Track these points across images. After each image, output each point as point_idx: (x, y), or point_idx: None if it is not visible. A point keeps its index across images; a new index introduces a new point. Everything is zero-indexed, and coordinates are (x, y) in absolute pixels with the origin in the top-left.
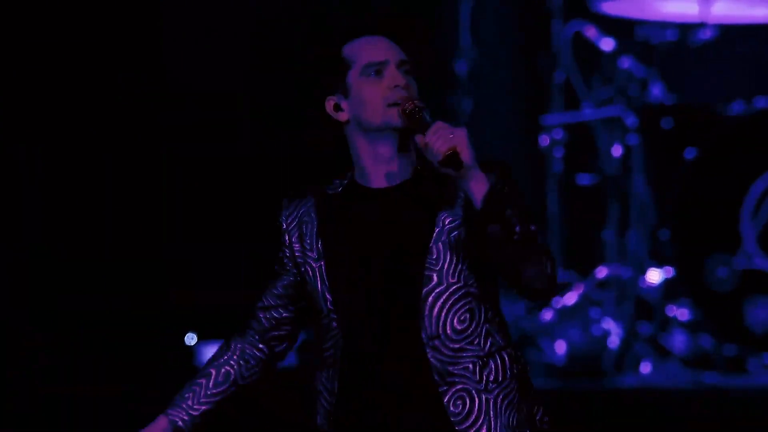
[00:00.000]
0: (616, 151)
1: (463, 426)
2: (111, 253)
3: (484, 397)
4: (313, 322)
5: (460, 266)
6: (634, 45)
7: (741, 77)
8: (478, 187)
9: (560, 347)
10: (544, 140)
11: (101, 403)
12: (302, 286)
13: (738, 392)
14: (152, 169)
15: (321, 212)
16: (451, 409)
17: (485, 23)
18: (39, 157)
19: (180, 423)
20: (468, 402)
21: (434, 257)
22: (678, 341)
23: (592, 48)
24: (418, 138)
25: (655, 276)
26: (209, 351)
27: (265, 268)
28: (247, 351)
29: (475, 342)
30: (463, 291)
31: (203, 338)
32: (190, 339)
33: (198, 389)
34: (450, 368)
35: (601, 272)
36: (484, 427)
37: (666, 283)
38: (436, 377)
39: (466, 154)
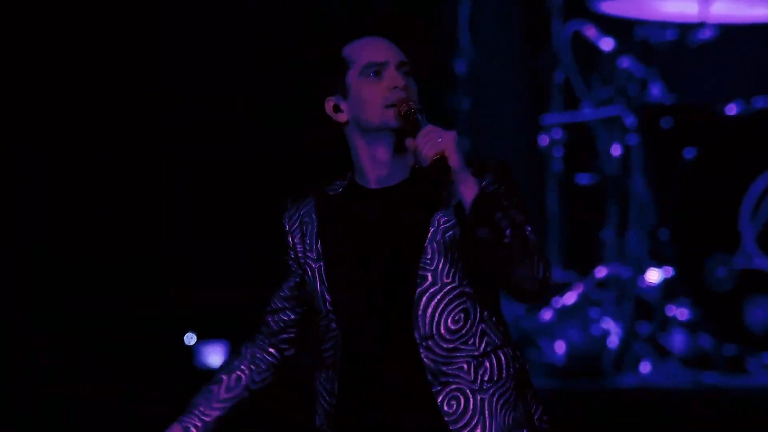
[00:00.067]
0: (616, 150)
1: (457, 426)
2: (111, 253)
3: (479, 396)
4: (313, 323)
5: (454, 266)
6: (634, 45)
7: (740, 77)
8: (467, 190)
9: (560, 347)
10: (544, 140)
11: (101, 403)
12: (305, 286)
13: (737, 392)
14: (152, 169)
15: (321, 213)
16: (445, 409)
17: (485, 23)
18: (39, 157)
19: (193, 429)
20: (462, 402)
21: (429, 257)
22: (677, 341)
23: (592, 48)
24: (408, 142)
25: (654, 276)
26: (209, 351)
27: (265, 268)
28: (258, 355)
29: (470, 342)
30: (457, 291)
31: (203, 338)
32: (190, 339)
33: (210, 395)
34: (444, 368)
35: (601, 272)
36: (479, 427)
37: (665, 283)
38: (429, 377)
39: (453, 159)
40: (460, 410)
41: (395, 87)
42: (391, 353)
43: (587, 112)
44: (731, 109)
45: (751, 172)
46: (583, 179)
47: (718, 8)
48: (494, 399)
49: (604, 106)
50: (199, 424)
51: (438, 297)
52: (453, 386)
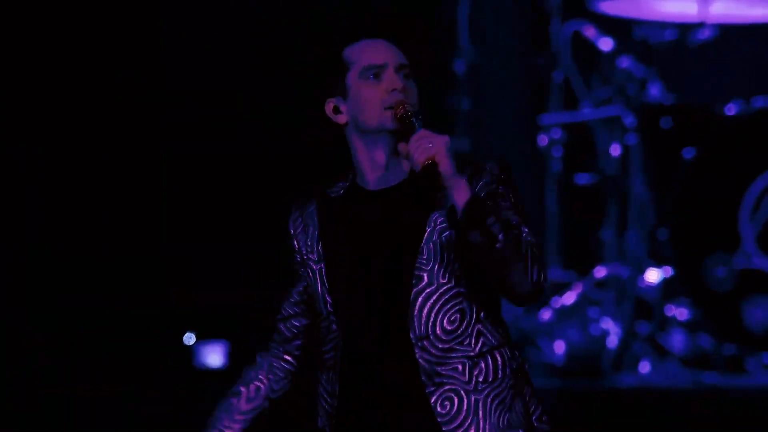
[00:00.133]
0: (615, 150)
1: (451, 427)
2: (111, 253)
3: (473, 397)
4: (315, 326)
5: (451, 266)
6: (633, 45)
7: (740, 77)
8: (459, 195)
9: (559, 347)
10: (543, 140)
11: (101, 403)
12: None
13: (737, 392)
14: (152, 169)
15: (322, 215)
16: (438, 409)
17: (484, 23)
18: (39, 157)
19: None
20: (456, 402)
21: (425, 257)
22: (677, 341)
23: (591, 48)
24: (401, 146)
25: (654, 276)
26: (208, 351)
27: (265, 269)
28: (274, 364)
29: (465, 342)
30: (453, 291)
31: (202, 338)
32: (189, 339)
33: (231, 408)
34: (438, 368)
35: (600, 272)
36: (472, 427)
37: (665, 283)
38: (423, 378)
39: (444, 165)
40: (454, 411)
41: (393, 89)
42: (389, 354)
43: (586, 112)
44: (730, 109)
45: (751, 171)
46: (583, 179)
47: (718, 8)
48: (489, 400)
49: (604, 106)
50: None
51: (434, 297)
52: (447, 387)
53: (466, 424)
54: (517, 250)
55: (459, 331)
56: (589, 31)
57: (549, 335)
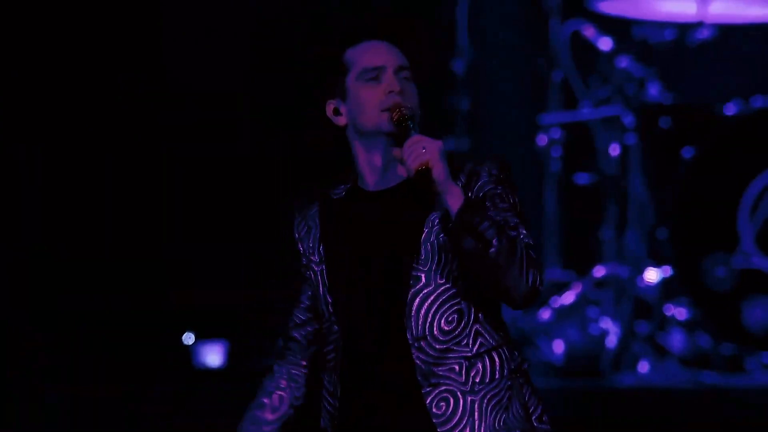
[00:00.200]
0: (614, 150)
1: (446, 427)
2: (111, 252)
3: (469, 398)
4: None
5: (449, 267)
6: (632, 44)
7: (739, 77)
8: (452, 201)
9: (558, 346)
10: (542, 139)
11: (101, 403)
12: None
13: (736, 391)
14: (152, 169)
15: (323, 216)
16: (434, 410)
17: (483, 23)
18: (39, 157)
19: None
20: (452, 403)
21: (422, 258)
22: (676, 340)
23: (590, 47)
24: (395, 152)
25: (653, 275)
26: (207, 350)
27: (264, 269)
28: (293, 371)
29: (463, 343)
30: (451, 292)
31: (201, 338)
32: (188, 338)
33: (258, 420)
34: (435, 369)
35: (599, 271)
36: (467, 428)
37: (664, 283)
38: (419, 378)
39: (437, 170)
40: (449, 412)
41: (390, 91)
42: (387, 354)
43: (586, 112)
44: (730, 109)
45: (750, 171)
46: (582, 179)
47: (717, 8)
48: (485, 401)
49: (603, 106)
50: None
51: (431, 298)
52: (443, 387)
53: (462, 425)
54: (512, 255)
55: (456, 332)
56: (589, 31)
57: (548, 335)
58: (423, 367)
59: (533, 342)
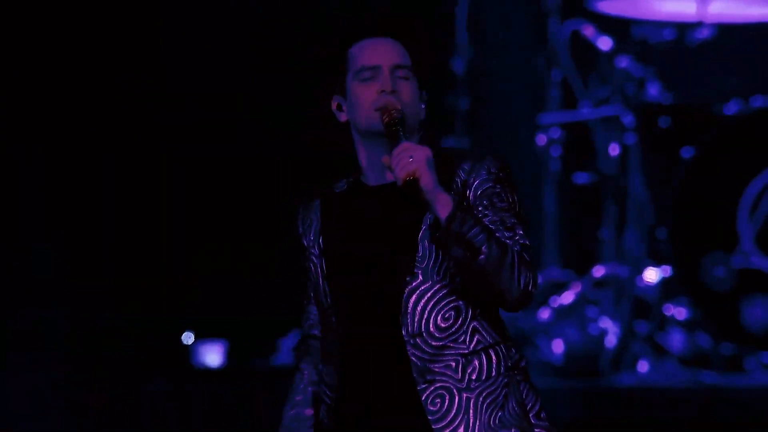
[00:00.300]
0: (614, 150)
1: (440, 425)
2: (110, 252)
3: (464, 395)
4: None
5: (446, 264)
6: (632, 44)
7: (738, 76)
8: (441, 209)
9: (557, 346)
10: (542, 139)
11: (101, 403)
12: None
13: (735, 391)
14: (152, 169)
15: (325, 210)
16: (429, 407)
17: (483, 22)
18: (39, 157)
19: None
20: (447, 400)
21: (420, 254)
22: (675, 340)
23: (590, 47)
24: (384, 159)
25: (652, 275)
26: (206, 350)
27: (264, 268)
28: (320, 366)
29: (460, 340)
30: (448, 288)
31: (201, 337)
32: (188, 338)
33: (299, 418)
34: (430, 366)
35: (599, 271)
36: (462, 425)
37: (663, 282)
38: (415, 375)
39: (425, 179)
40: (444, 409)
41: (383, 91)
42: (383, 350)
43: (585, 112)
44: (729, 109)
45: (749, 171)
46: (581, 178)
47: (716, 8)
48: (481, 398)
49: (602, 106)
50: None
51: (428, 295)
52: (438, 384)
53: (456, 422)
54: (502, 261)
55: (453, 329)
56: (588, 31)
57: (547, 335)
58: (419, 363)
59: (532, 342)
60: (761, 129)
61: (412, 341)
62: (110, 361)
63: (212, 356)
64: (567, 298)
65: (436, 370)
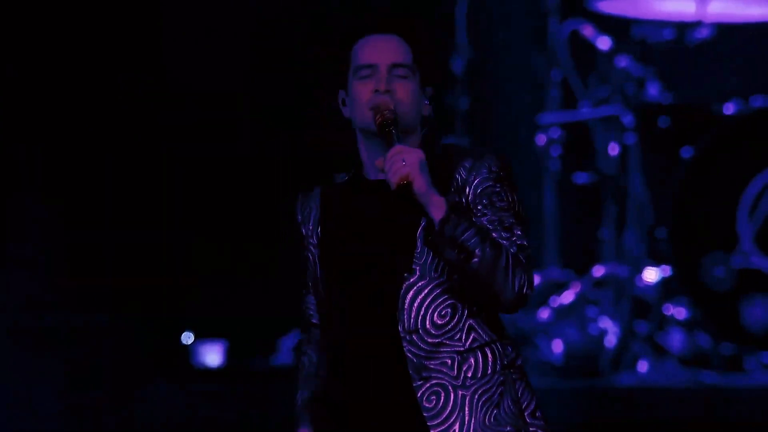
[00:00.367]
0: (613, 149)
1: (436, 421)
2: (110, 252)
3: (460, 393)
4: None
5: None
6: (631, 44)
7: (738, 76)
8: (434, 212)
9: (557, 346)
10: (542, 139)
11: (100, 403)
12: None
13: (735, 391)
14: (152, 169)
15: (324, 200)
16: (425, 404)
17: (482, 22)
18: (39, 157)
19: None
20: (443, 397)
21: (418, 251)
22: (675, 340)
23: (589, 47)
24: (377, 162)
25: (652, 275)
26: (206, 350)
27: (264, 268)
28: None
29: (456, 337)
30: (445, 285)
31: (200, 337)
32: (187, 338)
33: (312, 376)
34: (426, 363)
35: (598, 271)
36: (457, 423)
37: (663, 282)
38: (411, 371)
39: (418, 183)
40: (440, 406)
41: (376, 90)
42: (378, 345)
43: (585, 111)
44: (729, 108)
45: (749, 170)
46: (581, 178)
47: (715, 7)
48: (476, 396)
49: (602, 105)
50: None
51: (425, 291)
52: (434, 381)
53: (452, 419)
54: (496, 264)
55: (449, 326)
56: (588, 30)
57: (547, 334)
58: (414, 360)
59: (532, 341)
60: (761, 129)
61: (408, 337)
62: (110, 361)
63: (212, 356)
64: (567, 297)
65: (432, 367)
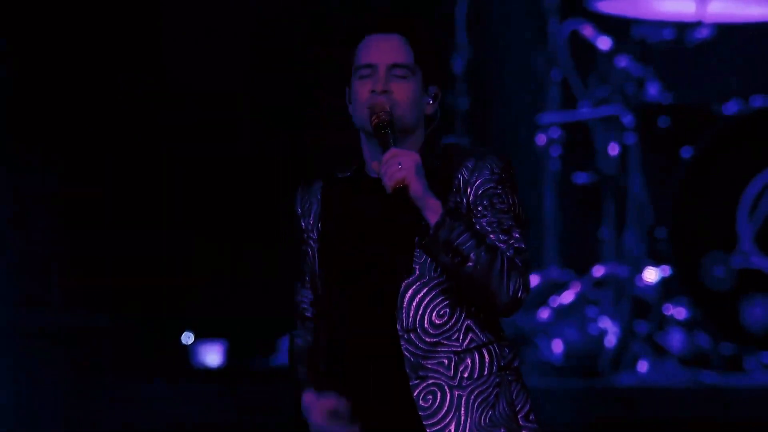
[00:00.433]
0: (613, 149)
1: (431, 421)
2: (110, 252)
3: (456, 393)
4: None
5: None
6: (631, 44)
7: (738, 76)
8: (430, 215)
9: (557, 346)
10: (541, 139)
11: (100, 402)
12: None
13: (735, 391)
14: (152, 169)
15: (326, 194)
16: (421, 403)
17: (482, 22)
18: (39, 157)
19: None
20: (439, 397)
21: (418, 250)
22: (675, 340)
23: (589, 47)
24: (374, 164)
25: (652, 275)
26: (206, 350)
27: (264, 268)
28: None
29: (453, 337)
30: (444, 285)
31: (200, 337)
32: (187, 338)
33: (312, 358)
34: (423, 362)
35: (598, 271)
36: (453, 423)
37: (663, 282)
38: (408, 370)
39: (414, 186)
40: (436, 405)
41: (373, 91)
42: (376, 343)
43: (585, 111)
44: (729, 108)
45: (749, 170)
46: (581, 178)
47: (715, 7)
48: (472, 396)
49: (602, 105)
50: None
51: (424, 291)
52: (431, 381)
53: (447, 419)
54: (490, 268)
55: (447, 326)
56: (587, 30)
57: (547, 334)
58: (412, 359)
59: (532, 341)
60: (761, 129)
61: (406, 336)
62: (110, 361)
63: (212, 356)
64: (567, 297)
65: (429, 366)
